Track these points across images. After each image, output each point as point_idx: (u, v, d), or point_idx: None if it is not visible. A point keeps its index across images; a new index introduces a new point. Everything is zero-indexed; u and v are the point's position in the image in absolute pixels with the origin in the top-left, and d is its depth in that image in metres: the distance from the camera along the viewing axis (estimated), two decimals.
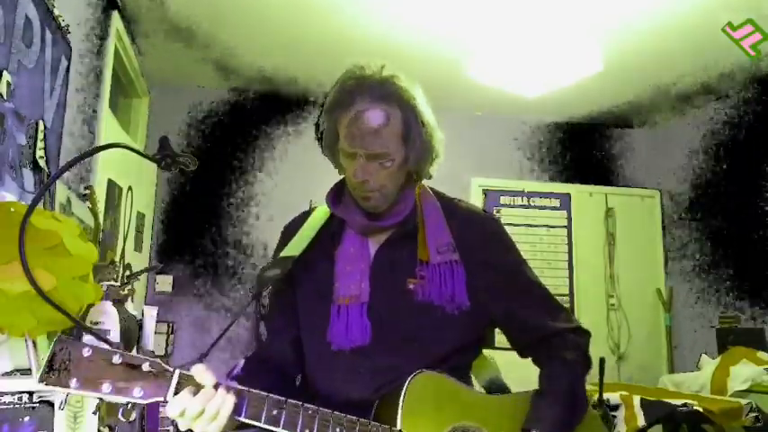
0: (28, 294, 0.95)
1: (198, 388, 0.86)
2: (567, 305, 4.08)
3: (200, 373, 0.87)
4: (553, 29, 3.09)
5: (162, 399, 0.84)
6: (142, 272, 2.26)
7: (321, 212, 1.24)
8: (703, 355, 3.57)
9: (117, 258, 2.48)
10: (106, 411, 1.07)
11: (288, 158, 4.11)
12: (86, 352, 0.81)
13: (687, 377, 3.39)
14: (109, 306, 1.43)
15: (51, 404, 0.89)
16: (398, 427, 0.98)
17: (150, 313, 1.95)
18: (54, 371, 0.79)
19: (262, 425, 0.89)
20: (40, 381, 0.79)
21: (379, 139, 1.08)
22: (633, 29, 3.10)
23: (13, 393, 0.86)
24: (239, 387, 0.90)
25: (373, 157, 1.09)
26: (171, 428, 2.11)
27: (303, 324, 1.19)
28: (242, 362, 1.18)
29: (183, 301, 3.84)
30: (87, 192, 2.14)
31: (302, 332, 1.19)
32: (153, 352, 1.94)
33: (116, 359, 0.82)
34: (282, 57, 3.61)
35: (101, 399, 0.82)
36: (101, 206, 2.40)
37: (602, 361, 2.24)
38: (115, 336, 1.40)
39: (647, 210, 4.48)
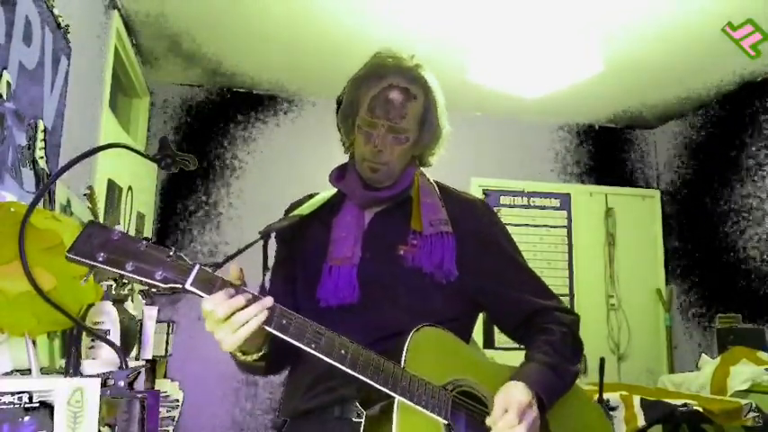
0: (28, 294, 0.95)
1: (231, 286, 0.92)
2: (566, 305, 4.07)
3: (232, 271, 0.95)
4: (553, 30, 3.09)
5: (180, 285, 0.89)
6: None
7: (322, 196, 1.31)
8: (703, 355, 3.57)
9: None
10: (107, 411, 1.07)
11: (288, 159, 4.11)
12: (115, 235, 0.86)
13: (687, 377, 3.40)
14: (109, 306, 1.43)
15: (51, 405, 0.89)
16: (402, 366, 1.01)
17: (150, 313, 1.95)
18: (83, 245, 0.83)
19: (275, 332, 0.94)
20: (68, 252, 0.83)
21: (402, 114, 1.17)
22: (633, 29, 3.10)
23: (12, 393, 0.86)
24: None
25: (393, 130, 1.17)
26: (171, 428, 2.11)
27: (297, 285, 1.24)
28: None
29: (182, 301, 3.84)
30: (87, 192, 2.14)
31: (296, 293, 1.24)
32: (153, 357, 1.94)
33: (142, 246, 0.87)
34: (282, 58, 3.61)
35: (123, 277, 0.87)
36: (101, 206, 2.40)
37: (602, 361, 2.24)
38: (115, 336, 1.40)
39: (647, 210, 4.48)
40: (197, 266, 0.91)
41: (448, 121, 1.27)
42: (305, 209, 1.26)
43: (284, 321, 0.94)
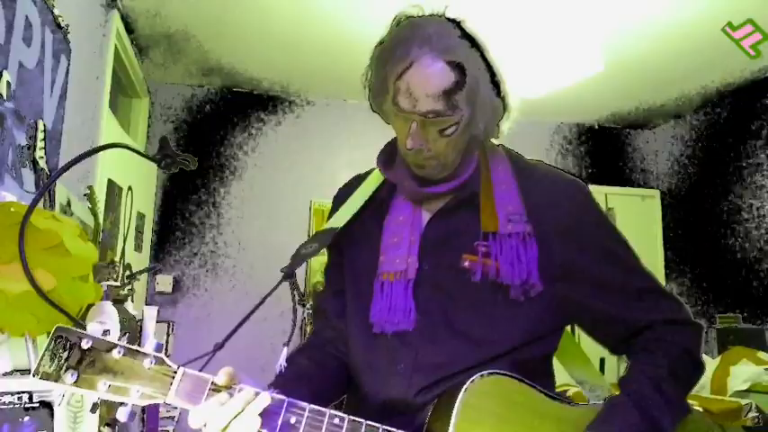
0: (28, 294, 0.95)
1: (223, 390, 0.77)
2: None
3: (223, 374, 0.78)
4: (553, 30, 3.09)
5: (162, 400, 0.76)
6: (142, 272, 2.25)
7: (376, 176, 1.06)
8: (703, 355, 3.57)
9: (117, 258, 2.48)
10: (107, 411, 1.07)
11: (288, 159, 4.11)
12: (85, 344, 0.76)
13: None
14: (109, 306, 1.43)
15: (51, 405, 0.89)
16: None
17: (150, 313, 1.95)
18: (50, 365, 0.74)
19: None
20: (34, 374, 0.74)
21: (438, 101, 0.87)
22: (634, 30, 3.10)
23: (12, 393, 0.86)
24: (275, 394, 0.79)
25: (430, 123, 0.89)
26: (171, 429, 2.11)
27: (348, 304, 1.03)
28: (284, 352, 0.96)
29: (182, 301, 3.84)
30: (87, 192, 2.14)
31: (347, 313, 1.03)
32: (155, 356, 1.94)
33: (116, 353, 0.76)
34: (282, 59, 3.61)
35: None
36: (101, 206, 2.40)
37: (602, 361, 2.24)
38: (115, 336, 1.40)
39: (647, 210, 4.48)
40: (180, 372, 0.77)
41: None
42: (352, 207, 1.02)
43: (293, 420, 0.78)
